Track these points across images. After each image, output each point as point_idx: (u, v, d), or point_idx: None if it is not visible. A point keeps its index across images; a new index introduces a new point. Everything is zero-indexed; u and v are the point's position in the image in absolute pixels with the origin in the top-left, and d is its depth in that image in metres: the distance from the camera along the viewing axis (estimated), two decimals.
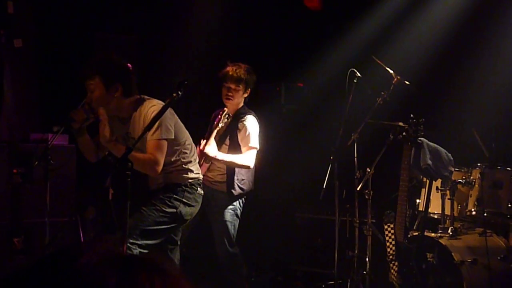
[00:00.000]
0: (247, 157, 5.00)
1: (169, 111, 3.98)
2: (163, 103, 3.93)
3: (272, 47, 7.02)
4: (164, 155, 3.98)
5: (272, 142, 6.61)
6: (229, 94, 5.09)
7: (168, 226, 4.10)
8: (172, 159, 4.15)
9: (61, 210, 5.31)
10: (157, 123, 3.81)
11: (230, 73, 5.06)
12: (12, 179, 5.35)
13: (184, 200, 4.14)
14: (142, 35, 6.88)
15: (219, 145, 5.05)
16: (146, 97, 4.15)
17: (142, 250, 3.81)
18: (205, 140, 4.94)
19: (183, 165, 4.16)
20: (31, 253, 5.19)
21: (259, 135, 5.14)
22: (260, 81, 6.81)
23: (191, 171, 4.19)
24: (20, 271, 0.97)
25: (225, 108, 5.08)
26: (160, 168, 3.97)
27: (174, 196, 4.12)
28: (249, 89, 5.15)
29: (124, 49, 6.39)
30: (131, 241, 3.85)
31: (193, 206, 4.20)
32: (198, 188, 4.24)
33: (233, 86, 5.06)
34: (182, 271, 1.04)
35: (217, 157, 4.92)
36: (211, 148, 4.90)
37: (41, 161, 4.65)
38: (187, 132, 4.40)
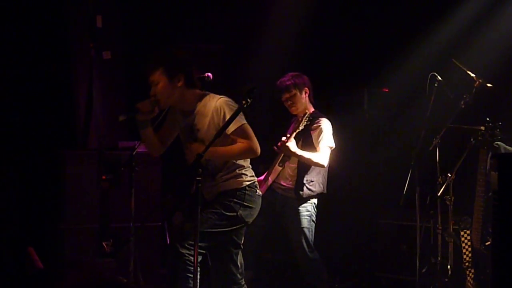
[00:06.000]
0: (322, 156, 5.12)
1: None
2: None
3: (354, 53, 6.99)
4: (254, 137, 4.10)
5: (355, 148, 6.59)
6: (288, 103, 5.30)
7: (227, 229, 4.16)
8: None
9: (146, 215, 5.48)
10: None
11: (278, 86, 5.31)
12: (101, 185, 5.60)
13: (244, 203, 4.19)
14: (225, 45, 7.01)
15: None
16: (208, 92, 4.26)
17: (199, 251, 3.86)
18: (285, 137, 5.05)
19: (237, 170, 4.21)
20: (119, 256, 5.37)
21: (334, 137, 5.22)
22: (343, 87, 6.84)
23: (246, 175, 4.24)
24: None
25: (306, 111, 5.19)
26: (259, 149, 4.09)
27: (234, 200, 4.17)
28: (306, 89, 5.29)
29: (207, 58, 6.54)
30: (189, 242, 3.94)
31: (253, 208, 4.24)
32: (257, 190, 4.30)
33: (286, 96, 5.26)
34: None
35: (296, 153, 5.05)
36: (292, 143, 5.04)
37: (127, 168, 4.87)
38: None
